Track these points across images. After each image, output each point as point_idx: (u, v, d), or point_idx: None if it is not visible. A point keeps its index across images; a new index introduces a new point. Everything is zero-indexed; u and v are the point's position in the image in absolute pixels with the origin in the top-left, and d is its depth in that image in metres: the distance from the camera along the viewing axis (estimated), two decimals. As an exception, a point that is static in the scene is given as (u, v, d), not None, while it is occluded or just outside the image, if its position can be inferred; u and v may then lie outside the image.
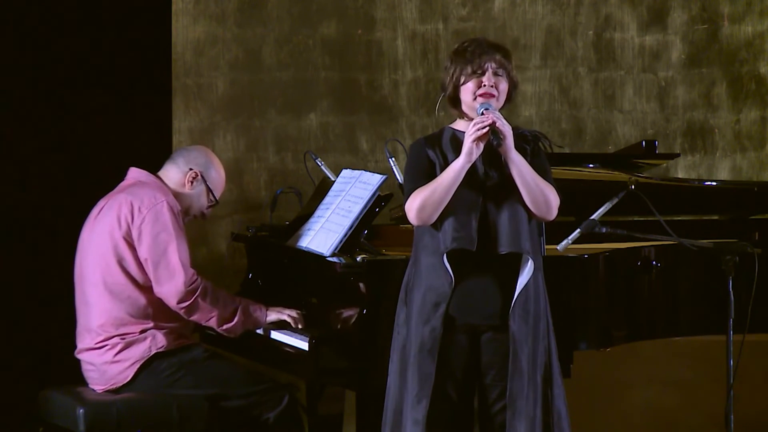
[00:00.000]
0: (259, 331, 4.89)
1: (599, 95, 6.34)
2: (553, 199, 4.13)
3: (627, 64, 6.35)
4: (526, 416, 4.08)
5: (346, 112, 6.12)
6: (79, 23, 5.94)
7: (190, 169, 5.05)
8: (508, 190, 4.11)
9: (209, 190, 5.07)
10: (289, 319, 4.87)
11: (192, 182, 5.05)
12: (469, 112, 4.18)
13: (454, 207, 4.08)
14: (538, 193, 4.11)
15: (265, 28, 6.07)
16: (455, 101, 4.20)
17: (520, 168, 4.09)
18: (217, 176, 5.11)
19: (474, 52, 4.15)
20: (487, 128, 4.04)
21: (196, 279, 4.82)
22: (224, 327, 4.88)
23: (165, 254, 4.80)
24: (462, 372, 4.13)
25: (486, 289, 4.11)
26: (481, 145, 4.07)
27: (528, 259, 4.09)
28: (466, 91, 4.15)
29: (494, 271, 4.11)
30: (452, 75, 4.17)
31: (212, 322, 4.87)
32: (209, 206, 5.11)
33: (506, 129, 4.06)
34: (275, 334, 4.80)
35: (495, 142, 4.04)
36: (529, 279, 4.10)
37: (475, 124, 4.05)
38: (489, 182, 4.13)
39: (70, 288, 5.02)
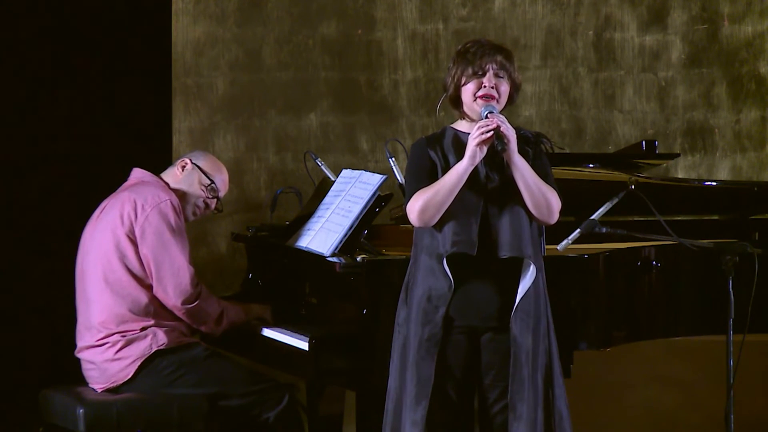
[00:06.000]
0: (265, 332, 4.88)
1: (599, 95, 6.34)
2: (555, 203, 4.13)
3: (627, 64, 6.35)
4: (527, 418, 4.08)
5: (346, 112, 6.12)
6: (80, 23, 5.94)
7: (182, 160, 5.08)
8: (509, 193, 4.11)
9: (203, 173, 5.03)
10: (261, 316, 4.91)
11: (183, 168, 5.05)
12: (469, 113, 4.18)
13: (455, 210, 4.07)
14: (541, 197, 4.10)
15: (265, 28, 6.07)
16: (456, 102, 4.20)
17: (522, 172, 4.09)
18: (213, 164, 5.07)
19: (475, 53, 4.15)
20: (491, 132, 4.03)
21: (198, 281, 4.83)
22: (211, 330, 4.90)
23: (168, 253, 4.80)
24: (462, 372, 4.13)
25: (486, 292, 4.11)
26: (485, 149, 4.06)
27: (530, 264, 4.09)
28: (467, 92, 4.15)
29: (494, 273, 4.10)
30: (453, 76, 4.17)
31: (204, 326, 4.88)
32: (212, 197, 5.06)
33: (510, 133, 4.05)
34: (275, 334, 4.80)
35: (499, 147, 4.03)
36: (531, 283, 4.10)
37: (479, 128, 4.05)
38: (490, 185, 4.13)
39: (71, 288, 5.02)
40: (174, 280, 4.80)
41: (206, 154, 5.14)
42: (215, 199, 5.08)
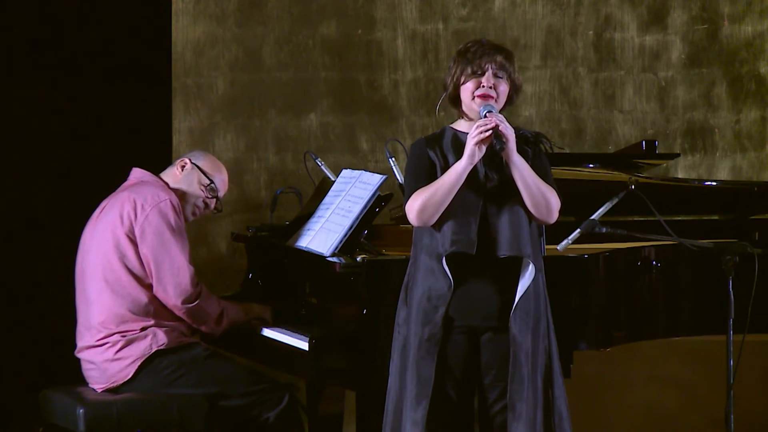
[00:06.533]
0: (265, 332, 4.88)
1: (599, 95, 6.34)
2: (554, 202, 4.13)
3: (627, 64, 6.35)
4: (527, 417, 4.08)
5: (346, 112, 6.12)
6: (79, 23, 5.94)
7: (181, 160, 5.08)
8: (508, 192, 4.11)
9: (202, 173, 5.04)
10: (261, 316, 4.91)
11: (182, 168, 5.05)
12: (468, 112, 4.19)
13: (454, 209, 4.08)
14: (540, 196, 4.10)
15: (265, 28, 6.07)
16: (456, 101, 4.21)
17: (521, 171, 4.09)
18: (212, 164, 5.08)
19: (475, 53, 4.15)
20: (490, 131, 4.04)
21: (198, 280, 4.83)
22: (212, 330, 4.90)
23: (168, 252, 4.80)
24: (462, 372, 4.13)
25: (485, 291, 4.11)
26: (483, 148, 4.07)
27: (529, 263, 4.09)
28: (465, 91, 4.16)
29: (494, 273, 4.10)
30: (453, 74, 4.18)
31: (204, 326, 4.88)
32: (211, 196, 5.07)
33: (509, 132, 4.06)
34: (275, 334, 4.80)
35: (498, 146, 4.04)
36: (530, 282, 4.10)
37: (478, 127, 4.05)
38: (489, 184, 4.13)
39: (71, 288, 5.03)
40: (174, 279, 4.80)
41: (206, 154, 5.14)
42: (215, 199, 5.08)
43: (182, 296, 4.81)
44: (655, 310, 4.87)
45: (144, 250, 4.82)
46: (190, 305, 4.82)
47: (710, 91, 6.42)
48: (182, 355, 4.85)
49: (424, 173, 4.14)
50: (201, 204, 5.07)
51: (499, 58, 4.16)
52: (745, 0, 6.42)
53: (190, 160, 5.07)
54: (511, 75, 4.18)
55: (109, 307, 4.84)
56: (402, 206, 4.18)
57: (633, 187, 4.82)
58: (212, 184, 5.05)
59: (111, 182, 5.10)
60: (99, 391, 4.87)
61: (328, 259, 4.72)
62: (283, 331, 4.78)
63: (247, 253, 5.46)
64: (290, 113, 6.08)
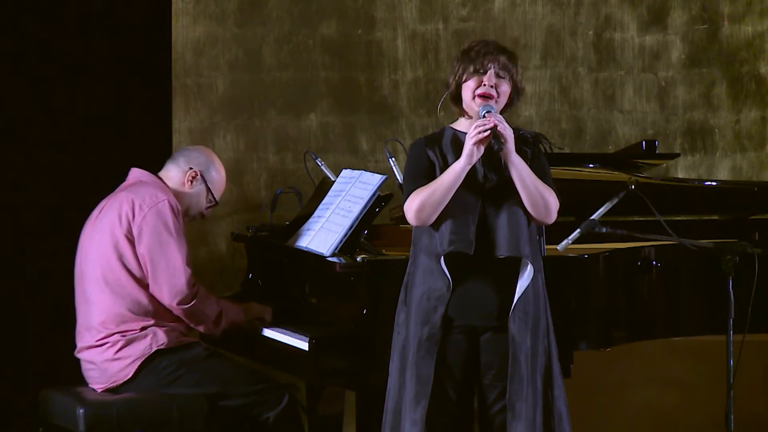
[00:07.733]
0: (266, 332, 4.88)
1: (599, 95, 6.33)
2: (553, 203, 4.13)
3: (627, 64, 6.35)
4: (526, 417, 4.08)
5: (346, 112, 6.12)
6: (79, 23, 5.94)
7: (190, 169, 5.06)
8: (507, 192, 4.11)
9: (209, 190, 5.07)
10: (261, 316, 4.91)
11: (192, 182, 5.05)
12: (468, 111, 4.19)
13: (453, 209, 4.08)
14: (538, 196, 4.10)
15: (265, 28, 6.07)
16: (457, 99, 4.21)
17: (520, 171, 4.09)
18: (218, 176, 5.11)
19: (479, 52, 4.16)
20: (489, 131, 4.04)
21: (195, 281, 4.83)
22: (210, 331, 4.90)
23: (165, 253, 4.80)
24: (461, 372, 4.13)
25: (484, 291, 4.11)
26: (482, 148, 4.07)
27: (527, 264, 4.09)
28: (466, 89, 4.16)
29: (493, 273, 4.10)
30: (456, 72, 4.18)
31: (202, 326, 4.88)
32: (209, 206, 5.11)
33: (507, 133, 4.06)
34: (275, 334, 4.80)
35: (496, 147, 4.04)
36: (529, 282, 4.10)
37: (476, 127, 4.05)
38: (488, 184, 4.13)
39: (71, 288, 5.02)
40: (170, 280, 4.80)
41: (212, 163, 5.09)
42: (209, 209, 5.13)
43: (177, 297, 4.80)
44: (655, 310, 4.87)
45: (141, 250, 4.83)
46: (186, 306, 4.81)
47: (710, 91, 6.42)
48: (182, 354, 4.85)
49: (423, 173, 4.14)
50: (198, 215, 5.10)
51: (503, 59, 4.16)
52: (745, 0, 6.42)
53: (200, 173, 5.05)
54: (513, 76, 4.17)
55: (109, 307, 4.84)
56: (401, 206, 4.18)
57: (633, 187, 4.82)
58: (215, 204, 5.08)
59: (111, 182, 5.10)
60: (99, 391, 4.87)
61: (328, 259, 4.72)
62: (283, 331, 4.78)
63: (247, 253, 5.46)
64: (290, 113, 6.08)
